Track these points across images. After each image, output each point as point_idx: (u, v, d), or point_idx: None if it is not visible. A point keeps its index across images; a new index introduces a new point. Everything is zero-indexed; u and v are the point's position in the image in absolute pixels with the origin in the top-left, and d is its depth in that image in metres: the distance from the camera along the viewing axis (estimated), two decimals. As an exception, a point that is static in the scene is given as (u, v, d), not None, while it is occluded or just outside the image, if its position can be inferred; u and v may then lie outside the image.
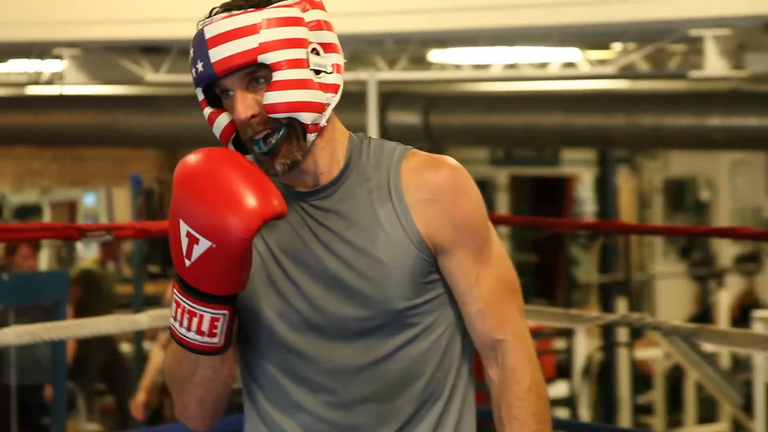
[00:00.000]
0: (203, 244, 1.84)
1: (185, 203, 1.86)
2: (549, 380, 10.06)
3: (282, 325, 1.97)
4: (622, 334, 8.55)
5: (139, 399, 6.75)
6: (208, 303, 1.88)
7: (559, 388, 9.05)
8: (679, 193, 12.37)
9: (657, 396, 8.79)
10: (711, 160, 11.88)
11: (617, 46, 7.30)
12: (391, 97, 8.11)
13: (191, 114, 8.63)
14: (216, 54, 1.89)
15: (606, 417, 8.64)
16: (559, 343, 9.33)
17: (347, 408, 1.97)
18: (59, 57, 7.74)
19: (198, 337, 1.90)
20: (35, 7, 7.34)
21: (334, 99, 1.95)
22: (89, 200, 12.27)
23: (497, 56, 7.37)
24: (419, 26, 6.80)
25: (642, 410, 9.06)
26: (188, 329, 1.90)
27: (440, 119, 8.05)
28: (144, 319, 4.12)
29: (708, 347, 8.40)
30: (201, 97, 1.96)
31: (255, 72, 1.91)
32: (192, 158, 1.90)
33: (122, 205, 11.73)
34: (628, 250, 8.71)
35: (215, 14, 1.92)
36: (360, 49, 7.61)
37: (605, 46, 7.41)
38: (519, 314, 2.03)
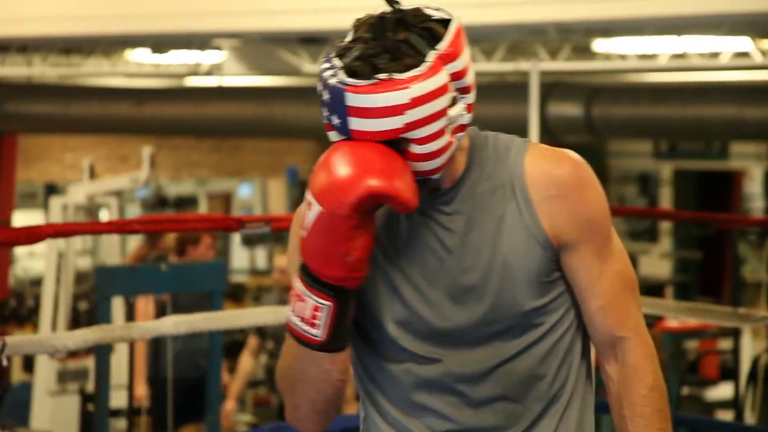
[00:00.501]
0: (314, 209, 1.85)
1: (314, 172, 1.88)
2: (713, 381, 9.86)
3: (407, 333, 1.96)
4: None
5: (229, 407, 6.69)
6: (314, 288, 1.88)
7: (724, 390, 8.81)
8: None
9: None
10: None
11: (792, 35, 7.01)
12: (553, 87, 7.95)
13: (348, 105, 8.60)
14: (357, 124, 1.86)
15: (772, 421, 8.37)
16: (725, 344, 9.09)
17: (476, 408, 1.97)
18: (218, 48, 7.81)
19: (300, 324, 1.91)
20: (194, -2, 7.38)
21: (462, 136, 1.94)
22: (244, 191, 12.38)
23: (665, 46, 7.15)
24: (583, 15, 6.63)
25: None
26: (295, 313, 1.91)
27: (603, 111, 7.88)
28: None
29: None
30: (335, 140, 1.93)
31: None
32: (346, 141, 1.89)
33: (277, 196, 11.78)
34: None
35: (349, 71, 1.86)
36: (522, 39, 7.46)
37: (779, 35, 7.13)
38: (638, 311, 2.03)
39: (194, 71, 8.39)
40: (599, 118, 7.92)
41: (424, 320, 1.95)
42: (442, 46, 1.88)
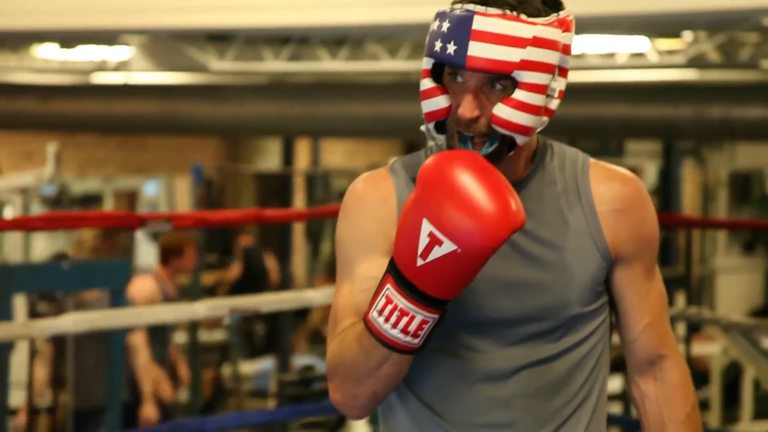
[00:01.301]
0: (446, 247, 1.78)
1: (433, 203, 1.79)
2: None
3: (452, 322, 1.94)
4: (680, 329, 8.48)
5: (148, 411, 6.60)
6: (425, 306, 1.82)
7: (614, 384, 8.99)
8: (745, 186, 12.23)
9: (713, 392, 8.70)
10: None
11: (687, 36, 7.20)
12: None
13: (255, 103, 8.62)
14: (476, 49, 1.86)
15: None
16: (614, 338, 9.25)
17: (508, 404, 1.97)
18: (126, 44, 7.76)
19: (401, 336, 1.84)
20: (102, -6, 7.35)
21: (546, 121, 1.96)
22: (150, 189, 12.32)
23: (592, 45, 7.27)
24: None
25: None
26: (394, 326, 1.84)
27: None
28: (201, 309, 4.12)
29: (768, 344, 8.30)
30: (427, 67, 1.93)
31: (499, 79, 1.89)
32: (442, 159, 1.83)
33: (183, 194, 11.76)
34: (690, 243, 8.61)
35: (480, 2, 1.87)
36: (425, 38, 7.56)
37: (675, 36, 7.31)
38: (671, 330, 2.09)
39: (101, 67, 8.34)
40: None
41: (472, 309, 1.94)
42: (563, 12, 1.93)
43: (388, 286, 1.83)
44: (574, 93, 8.01)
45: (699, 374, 9.00)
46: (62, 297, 6.05)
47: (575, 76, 8.69)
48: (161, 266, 6.94)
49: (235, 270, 9.89)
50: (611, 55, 7.31)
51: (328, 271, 11.52)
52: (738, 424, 8.61)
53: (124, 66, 8.07)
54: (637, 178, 2.05)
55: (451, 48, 1.87)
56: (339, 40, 7.84)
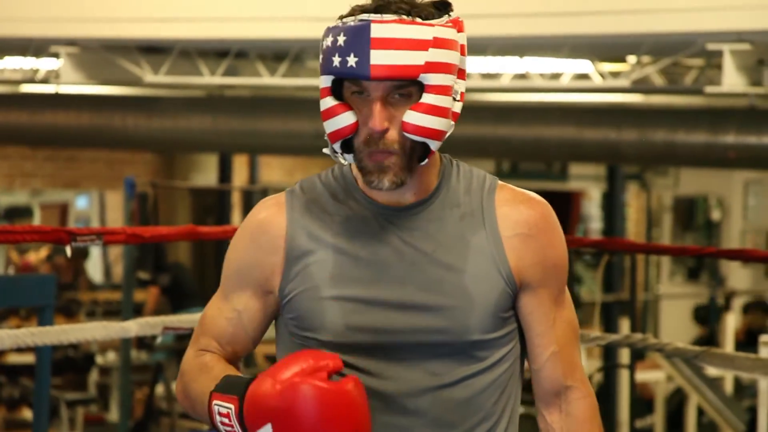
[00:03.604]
0: None
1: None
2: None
3: (348, 344, 1.93)
4: (624, 356, 8.43)
5: None
6: None
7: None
8: (689, 211, 12.26)
9: (657, 420, 8.70)
10: (723, 178, 11.77)
11: (631, 59, 7.14)
12: (396, 105, 7.94)
13: (190, 117, 8.47)
14: (379, 57, 1.83)
15: (604, 439, 8.49)
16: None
17: (406, 430, 1.93)
18: (56, 55, 7.62)
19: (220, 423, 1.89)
20: (32, 2, 7.21)
21: (453, 126, 1.95)
22: (81, 203, 12.15)
23: (507, 66, 7.20)
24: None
25: (641, 434, 8.97)
26: (222, 424, 1.88)
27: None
28: (132, 327, 4.01)
29: (712, 371, 8.28)
30: (326, 85, 1.89)
31: (405, 86, 1.87)
32: (317, 393, 1.80)
33: (115, 208, 11.58)
34: (635, 269, 8.56)
35: (373, 10, 1.84)
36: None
37: (619, 59, 7.26)
38: (581, 360, 2.05)
39: (30, 78, 8.17)
40: (442, 136, 7.92)
41: (369, 330, 1.92)
42: (453, 13, 1.91)
43: (233, 410, 1.85)
44: (518, 114, 7.98)
45: (643, 401, 8.96)
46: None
47: (519, 97, 8.64)
48: None
49: (153, 291, 9.74)
50: (556, 76, 7.24)
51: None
52: (681, 452, 8.60)
53: (54, 77, 7.88)
54: (545, 201, 2.02)
55: (351, 60, 1.83)
56: (278, 54, 7.72)
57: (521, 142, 7.79)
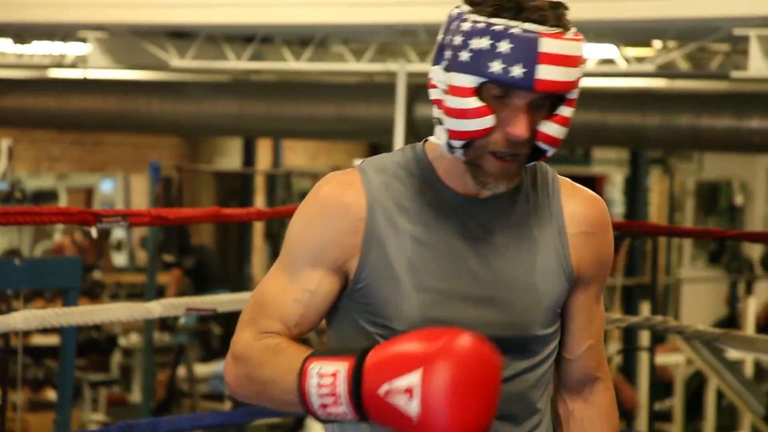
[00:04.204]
0: (410, 408, 1.74)
1: (443, 371, 1.73)
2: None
3: (429, 326, 1.85)
4: (644, 338, 8.43)
5: None
6: (355, 410, 1.78)
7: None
8: (712, 196, 12.23)
9: (676, 403, 8.69)
10: (747, 163, 11.74)
11: (657, 44, 7.13)
12: (421, 89, 7.96)
13: (215, 102, 8.51)
14: (545, 72, 1.81)
15: (622, 422, 8.50)
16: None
17: None
18: (83, 40, 7.64)
19: (317, 404, 1.80)
20: (60, -13, 7.22)
21: None
22: (107, 187, 12.19)
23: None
24: (453, 17, 6.64)
25: (660, 417, 8.96)
26: (320, 396, 1.80)
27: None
28: (156, 308, 4.01)
29: (732, 355, 8.28)
30: (472, 85, 1.84)
31: (549, 98, 1.86)
32: (472, 351, 1.76)
33: (140, 192, 11.62)
34: (656, 253, 8.57)
35: (538, 21, 1.81)
36: (392, 40, 7.46)
37: (645, 44, 7.25)
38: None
39: (59, 63, 8.21)
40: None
41: (446, 322, 1.88)
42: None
43: (342, 372, 1.78)
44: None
45: (663, 384, 8.96)
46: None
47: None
48: None
49: (175, 273, 9.78)
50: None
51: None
52: (700, 436, 8.60)
53: (81, 62, 7.92)
54: (601, 198, 2.03)
55: (517, 71, 1.81)
56: (303, 39, 7.74)
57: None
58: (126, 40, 7.58)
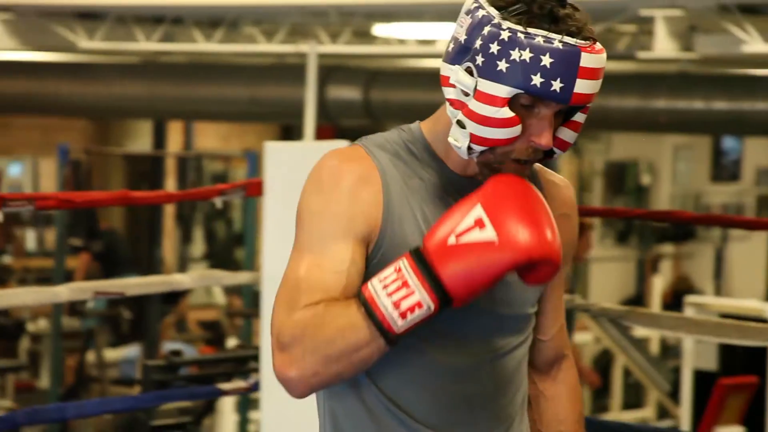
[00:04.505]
0: (487, 234, 1.77)
1: (495, 198, 1.80)
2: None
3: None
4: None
5: None
6: (429, 287, 1.77)
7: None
8: (620, 176, 12.37)
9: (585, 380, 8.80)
10: (654, 143, 11.89)
11: (565, 25, 7.18)
12: (332, 71, 7.97)
13: (125, 84, 8.44)
14: (582, 86, 1.82)
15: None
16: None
17: (469, 402, 1.94)
18: (-10, 20, 7.52)
19: (390, 308, 1.78)
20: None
21: None
22: (14, 171, 12.02)
23: (443, 32, 7.25)
24: (364, -1, 6.67)
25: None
26: (389, 295, 1.78)
27: (381, 95, 7.93)
28: (63, 292, 3.97)
29: (639, 333, 8.41)
30: (507, 96, 1.83)
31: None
32: (515, 179, 1.85)
33: (49, 176, 11.48)
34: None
35: (577, 34, 1.81)
36: (302, 22, 7.46)
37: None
38: None
39: (-37, 44, 8.08)
40: (377, 102, 7.96)
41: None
42: None
43: (404, 260, 1.79)
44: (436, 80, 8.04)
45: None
46: None
47: (437, 63, 8.69)
48: None
49: (83, 257, 9.69)
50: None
51: (201, 256, 11.35)
52: (607, 414, 8.70)
53: (-13, 43, 7.79)
54: None
55: (556, 85, 1.81)
56: (214, 20, 7.70)
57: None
58: (33, 21, 7.49)
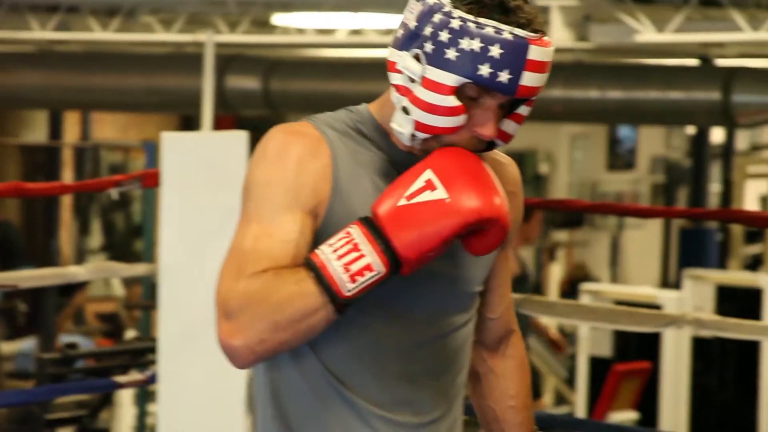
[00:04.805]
0: (438, 194, 1.79)
1: (443, 162, 1.82)
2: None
3: (381, 288, 1.85)
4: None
5: None
6: (380, 250, 1.77)
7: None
8: (519, 165, 12.44)
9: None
10: (552, 132, 12.00)
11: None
12: (231, 61, 7.93)
13: (20, 73, 8.38)
14: (529, 79, 1.82)
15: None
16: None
17: (413, 381, 1.93)
18: None
19: (340, 271, 1.77)
20: None
21: None
22: None
23: (342, 21, 7.25)
24: (262, -12, 6.65)
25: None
26: (339, 258, 1.77)
27: (281, 85, 7.91)
28: None
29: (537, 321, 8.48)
30: (455, 84, 1.83)
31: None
32: (459, 149, 1.86)
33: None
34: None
35: (527, 26, 1.81)
36: (200, 11, 7.41)
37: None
38: None
39: None
40: (277, 92, 7.94)
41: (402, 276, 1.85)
42: None
43: (354, 225, 1.80)
44: (353, 69, 8.04)
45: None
46: None
47: (353, 53, 8.71)
48: None
49: None
50: (389, 32, 7.31)
51: (99, 248, 11.23)
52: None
53: None
54: None
55: (504, 77, 1.81)
56: (111, 9, 7.62)
57: (355, 98, 7.81)
58: None
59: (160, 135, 4.07)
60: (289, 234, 1.83)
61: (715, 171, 12.19)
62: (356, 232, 1.78)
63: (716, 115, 7.19)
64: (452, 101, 1.83)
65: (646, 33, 6.40)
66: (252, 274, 1.80)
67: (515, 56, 1.80)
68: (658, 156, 13.49)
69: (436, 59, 1.82)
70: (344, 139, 1.90)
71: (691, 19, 6.66)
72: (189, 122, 11.83)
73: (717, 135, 12.36)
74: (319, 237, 1.85)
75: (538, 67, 1.81)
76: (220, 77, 7.69)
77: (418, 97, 1.83)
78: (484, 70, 1.80)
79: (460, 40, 1.81)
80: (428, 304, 1.92)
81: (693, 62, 8.67)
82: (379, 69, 8.78)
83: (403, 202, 1.78)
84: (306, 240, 1.84)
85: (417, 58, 1.83)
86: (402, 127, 1.86)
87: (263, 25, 8.09)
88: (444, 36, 1.82)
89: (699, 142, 11.07)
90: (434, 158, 1.82)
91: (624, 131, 13.17)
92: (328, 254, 1.78)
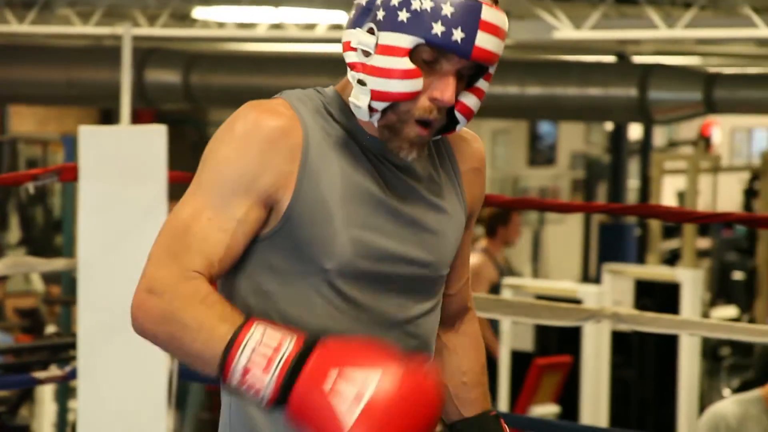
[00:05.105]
0: (350, 413, 1.68)
1: (395, 396, 1.70)
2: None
3: (352, 270, 1.86)
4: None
5: None
6: (278, 389, 1.71)
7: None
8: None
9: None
10: (473, 127, 12.03)
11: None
12: (151, 54, 7.87)
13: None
14: (483, 40, 1.81)
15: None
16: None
17: None
18: None
19: (239, 364, 1.72)
20: None
21: None
22: None
23: (263, 16, 7.24)
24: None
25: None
26: (249, 357, 1.72)
27: (201, 79, 7.89)
28: None
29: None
30: (408, 46, 1.81)
31: (471, 69, 1.85)
32: (412, 385, 1.72)
33: None
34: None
35: None
36: (119, 3, 7.34)
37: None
38: None
39: None
40: (197, 86, 7.91)
41: (373, 257, 1.86)
42: None
43: (291, 345, 1.72)
44: (273, 63, 8.03)
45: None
46: None
47: (274, 47, 8.69)
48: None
49: None
50: (310, 27, 7.32)
51: (18, 242, 11.10)
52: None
53: None
54: None
55: (457, 35, 1.80)
56: (27, 1, 7.52)
57: (276, 93, 7.84)
58: None
59: (80, 128, 4.03)
60: (230, 222, 1.82)
61: (633, 167, 12.34)
62: (284, 354, 1.72)
63: (633, 112, 7.29)
64: (407, 63, 1.81)
65: (563, 30, 6.46)
66: (182, 271, 1.80)
67: (468, 15, 1.80)
68: (577, 152, 13.63)
69: (389, 23, 1.82)
70: (315, 117, 1.88)
71: (608, 17, 6.74)
72: (109, 116, 11.73)
73: (635, 131, 12.51)
74: (287, 216, 1.84)
75: (491, 29, 1.81)
76: (140, 71, 7.64)
77: (373, 65, 1.82)
78: (437, 28, 1.80)
79: (412, 1, 1.81)
80: (398, 287, 1.91)
81: (610, 59, 8.78)
82: (300, 63, 8.90)
83: (327, 387, 1.70)
84: (245, 230, 1.83)
85: (371, 31, 1.83)
86: (359, 100, 1.84)
87: (183, 19, 8.04)
88: (395, 0, 1.83)
89: (617, 138, 11.20)
90: (388, 385, 1.70)
91: (544, 127, 13.29)
92: (251, 342, 1.73)
